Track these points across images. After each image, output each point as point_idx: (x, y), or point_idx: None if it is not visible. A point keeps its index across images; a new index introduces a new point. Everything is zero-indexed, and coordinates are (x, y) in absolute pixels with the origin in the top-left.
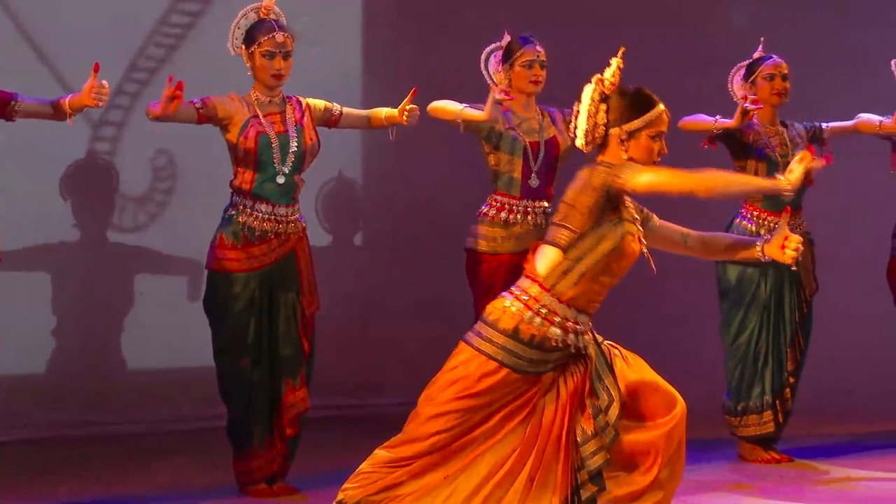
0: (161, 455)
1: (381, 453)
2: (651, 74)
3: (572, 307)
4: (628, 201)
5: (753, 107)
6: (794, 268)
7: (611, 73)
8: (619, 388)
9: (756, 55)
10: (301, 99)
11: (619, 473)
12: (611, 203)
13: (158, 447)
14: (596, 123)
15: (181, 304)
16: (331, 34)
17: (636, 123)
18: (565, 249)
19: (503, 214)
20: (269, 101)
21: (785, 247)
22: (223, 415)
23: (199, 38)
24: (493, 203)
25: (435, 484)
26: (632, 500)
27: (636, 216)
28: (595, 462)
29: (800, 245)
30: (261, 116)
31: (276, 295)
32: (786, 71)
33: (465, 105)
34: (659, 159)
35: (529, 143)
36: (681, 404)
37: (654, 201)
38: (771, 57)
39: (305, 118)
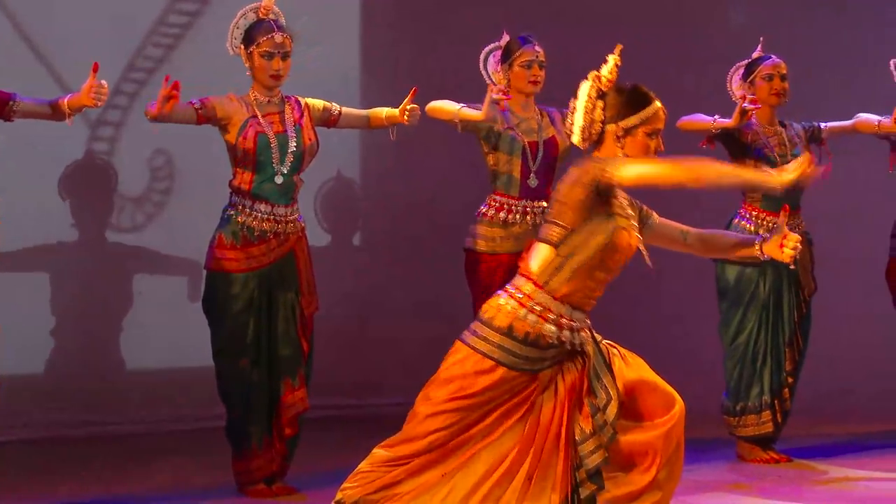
0: (160, 455)
1: (379, 452)
2: (650, 74)
3: (567, 304)
4: (621, 196)
5: (752, 107)
6: (792, 266)
7: (608, 70)
8: (617, 387)
9: (755, 55)
10: (300, 99)
11: (617, 474)
12: (601, 198)
13: (158, 447)
14: (592, 120)
15: (180, 304)
16: (329, 34)
17: (632, 120)
18: (556, 246)
19: (502, 214)
20: (268, 101)
21: (783, 245)
22: (222, 415)
23: (197, 38)
24: (492, 203)
25: (433, 482)
26: (630, 500)
27: (629, 211)
28: (593, 461)
29: (798, 244)
30: (259, 116)
31: (275, 295)
32: (784, 71)
33: (462, 105)
34: (655, 157)
35: (528, 142)
36: (679, 404)
37: (648, 196)
38: (770, 57)
39: (304, 118)
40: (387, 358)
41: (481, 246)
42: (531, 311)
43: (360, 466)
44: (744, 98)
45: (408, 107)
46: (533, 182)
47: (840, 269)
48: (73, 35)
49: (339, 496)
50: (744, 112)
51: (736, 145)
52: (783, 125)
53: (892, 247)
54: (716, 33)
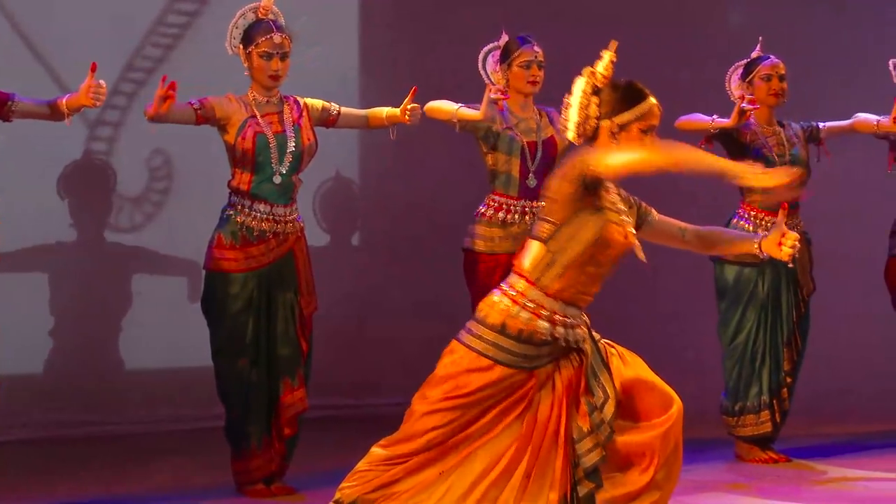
0: (159, 455)
1: (377, 451)
2: (649, 73)
3: (560, 300)
4: (612, 192)
5: (750, 107)
6: (790, 265)
7: (603, 66)
8: (614, 386)
9: (754, 55)
10: (299, 99)
11: (615, 474)
12: (589, 192)
13: (157, 447)
14: (587, 116)
15: (179, 305)
16: (328, 34)
17: (627, 116)
18: (546, 242)
19: (501, 214)
20: (267, 101)
21: (782, 244)
22: (221, 415)
23: (196, 38)
24: (491, 203)
25: (431, 481)
26: (629, 500)
27: (621, 207)
28: (591, 459)
29: (797, 242)
30: (258, 117)
31: (274, 295)
32: (783, 71)
33: (460, 105)
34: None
35: (527, 142)
36: (677, 404)
37: (647, 195)
38: (768, 57)
39: (303, 118)
40: (386, 358)
41: (480, 246)
42: (524, 308)
43: (357, 466)
44: (742, 98)
45: (409, 106)
46: (532, 182)
47: (839, 269)
48: (72, 35)
49: (337, 495)
50: (742, 112)
51: (734, 145)
52: (782, 125)
53: (890, 246)
54: (715, 33)
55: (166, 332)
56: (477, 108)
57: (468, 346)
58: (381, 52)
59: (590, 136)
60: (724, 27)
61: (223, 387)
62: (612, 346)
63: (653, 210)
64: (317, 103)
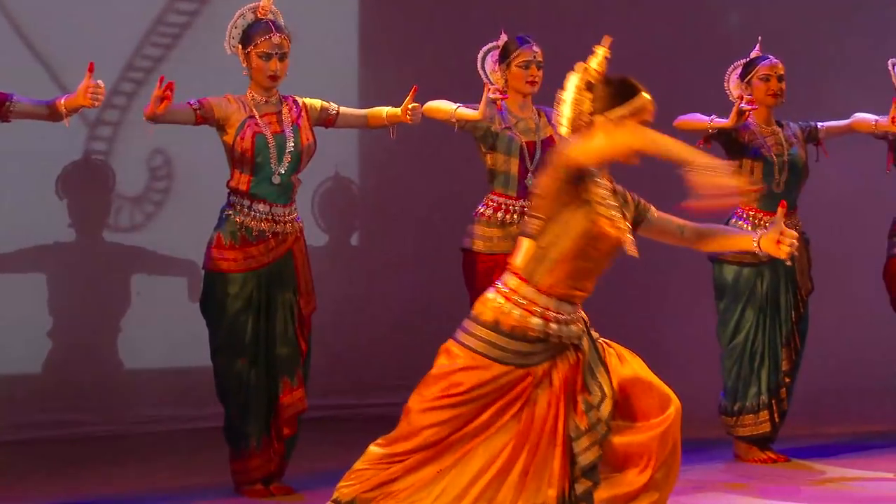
0: (158, 455)
1: (374, 450)
2: (649, 73)
3: (553, 297)
4: (600, 185)
5: (749, 107)
6: (788, 262)
7: (596, 61)
8: (612, 385)
9: (753, 54)
10: (298, 98)
11: (613, 475)
12: (574, 184)
13: (156, 447)
14: (580, 111)
15: (178, 305)
16: (328, 34)
17: (620, 111)
18: (536, 238)
19: (499, 214)
20: (266, 101)
21: (780, 241)
22: (220, 415)
23: (196, 37)
24: (490, 203)
25: (429, 479)
26: (627, 500)
27: (611, 202)
28: (587, 458)
29: (795, 240)
30: (257, 117)
31: (273, 295)
32: (781, 72)
33: (459, 105)
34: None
35: (526, 142)
36: (675, 405)
37: (645, 193)
38: (767, 57)
39: (302, 118)
40: (385, 358)
41: (479, 246)
42: (516, 304)
43: (355, 465)
44: (741, 98)
45: (410, 105)
46: (531, 182)
47: (837, 269)
48: (72, 35)
49: (335, 495)
50: (741, 113)
51: (733, 145)
52: (780, 125)
53: (889, 246)
54: (715, 33)
55: (166, 332)
56: (476, 108)
57: (463, 345)
58: (381, 52)
59: (583, 132)
60: (724, 27)
61: (222, 387)
62: (611, 345)
63: (652, 207)
64: (316, 103)
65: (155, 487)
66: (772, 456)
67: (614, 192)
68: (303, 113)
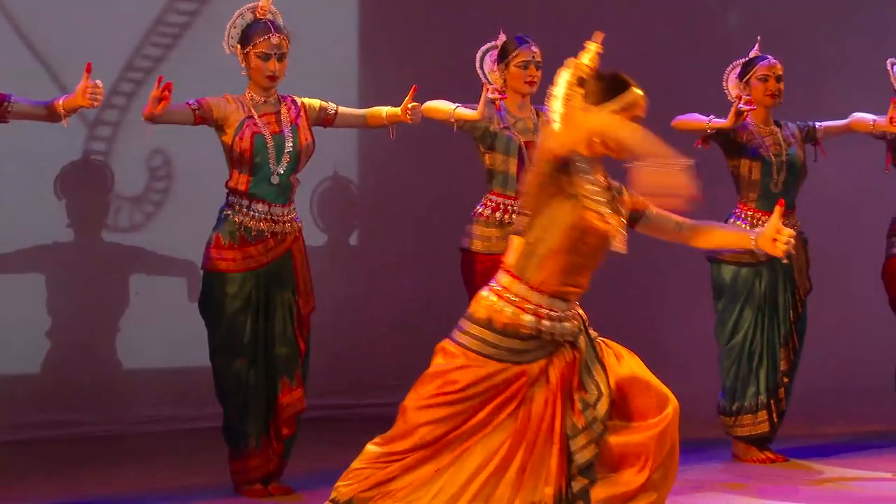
0: (157, 455)
1: (371, 449)
2: (648, 73)
3: (545, 293)
4: (588, 179)
5: (747, 108)
6: (785, 260)
7: (588, 57)
8: (609, 384)
9: (751, 54)
10: (296, 98)
11: (611, 475)
12: (557, 177)
13: (155, 447)
14: (572, 107)
15: (177, 305)
16: (327, 34)
17: (611, 106)
18: (524, 234)
19: (498, 214)
20: (264, 101)
21: (777, 239)
22: (219, 415)
23: (195, 37)
24: (489, 203)
25: (426, 478)
26: (625, 500)
27: (599, 196)
28: (584, 456)
29: (791, 238)
30: (256, 117)
31: (272, 295)
32: (780, 72)
33: (458, 104)
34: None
35: (524, 142)
36: (672, 404)
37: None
38: (766, 58)
39: (301, 118)
40: (384, 358)
41: (477, 246)
42: (508, 302)
43: (352, 464)
44: (739, 98)
45: (409, 105)
46: None
47: (836, 269)
48: (72, 35)
49: (333, 494)
50: (739, 113)
51: (731, 145)
52: (778, 125)
53: (888, 246)
54: (715, 33)
55: (165, 332)
56: (474, 108)
57: (458, 343)
58: (380, 52)
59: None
60: (723, 27)
61: (221, 387)
62: (609, 344)
63: (650, 204)
64: (314, 103)
65: (154, 487)
66: (770, 456)
67: (608, 187)
68: (301, 113)
